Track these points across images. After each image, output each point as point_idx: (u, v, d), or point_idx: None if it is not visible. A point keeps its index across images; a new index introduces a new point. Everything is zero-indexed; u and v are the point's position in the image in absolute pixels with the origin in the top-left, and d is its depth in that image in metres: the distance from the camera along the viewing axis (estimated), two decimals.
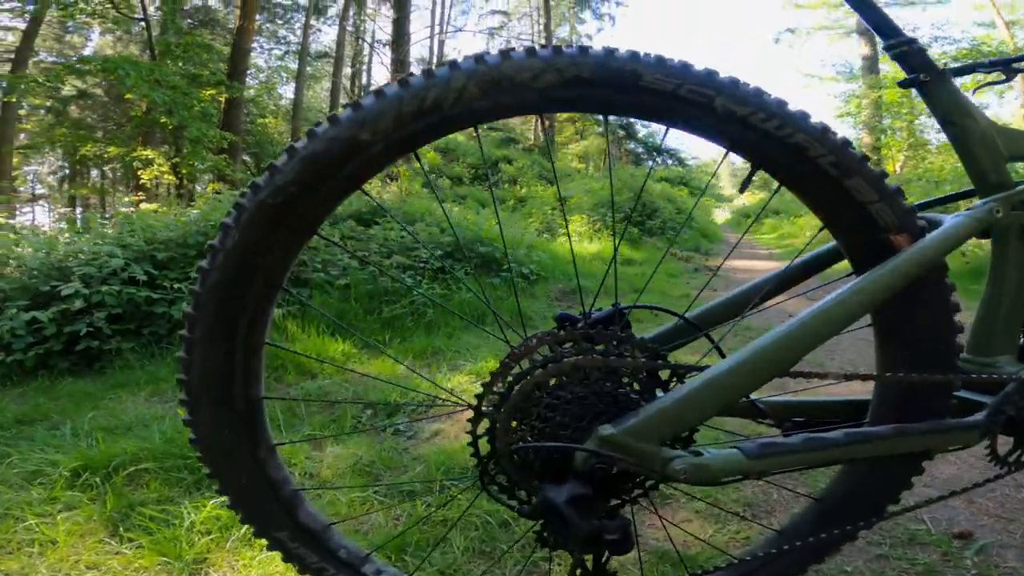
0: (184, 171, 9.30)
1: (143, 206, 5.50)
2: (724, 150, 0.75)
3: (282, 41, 16.27)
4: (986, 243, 0.88)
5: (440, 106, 0.69)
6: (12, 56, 11.25)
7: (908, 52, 0.85)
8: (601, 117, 0.79)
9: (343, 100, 15.22)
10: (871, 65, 13.63)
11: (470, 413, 0.78)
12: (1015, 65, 0.95)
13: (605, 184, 9.48)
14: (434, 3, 18.82)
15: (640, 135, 20.17)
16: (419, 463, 1.67)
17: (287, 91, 14.80)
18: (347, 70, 16.50)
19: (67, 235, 4.79)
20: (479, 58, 0.70)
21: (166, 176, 9.99)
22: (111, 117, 14.05)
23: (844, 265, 0.84)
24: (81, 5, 9.60)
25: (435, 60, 18.47)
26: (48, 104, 13.25)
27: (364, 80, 16.67)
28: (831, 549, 0.98)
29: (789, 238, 9.55)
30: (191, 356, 0.75)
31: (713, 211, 14.64)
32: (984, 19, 12.85)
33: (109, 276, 3.64)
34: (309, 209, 0.72)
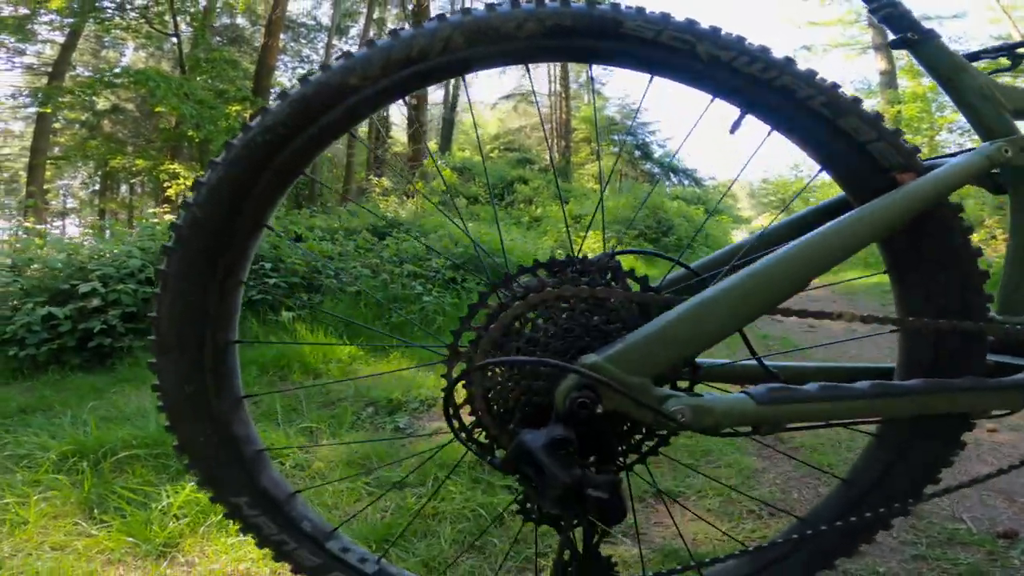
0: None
1: (167, 217, 5.63)
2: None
3: (305, 60, 16.67)
4: None
5: (427, 55, 0.70)
6: (50, 69, 11.72)
7: (893, 14, 0.83)
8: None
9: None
10: (889, 80, 13.51)
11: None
12: (1020, 51, 0.94)
13: (620, 202, 9.46)
14: None
15: (656, 155, 20.24)
16: (413, 455, 1.62)
17: None
18: None
19: (90, 237, 4.93)
20: (466, 11, 0.71)
21: (189, 192, 10.21)
22: (142, 132, 14.49)
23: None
24: (117, 20, 10.00)
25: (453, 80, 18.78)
26: (83, 118, 13.73)
27: None
28: (861, 539, 0.88)
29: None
30: (165, 292, 0.73)
31: (731, 231, 14.52)
32: (1001, 32, 12.73)
33: (126, 276, 3.71)
34: (296, 150, 0.71)
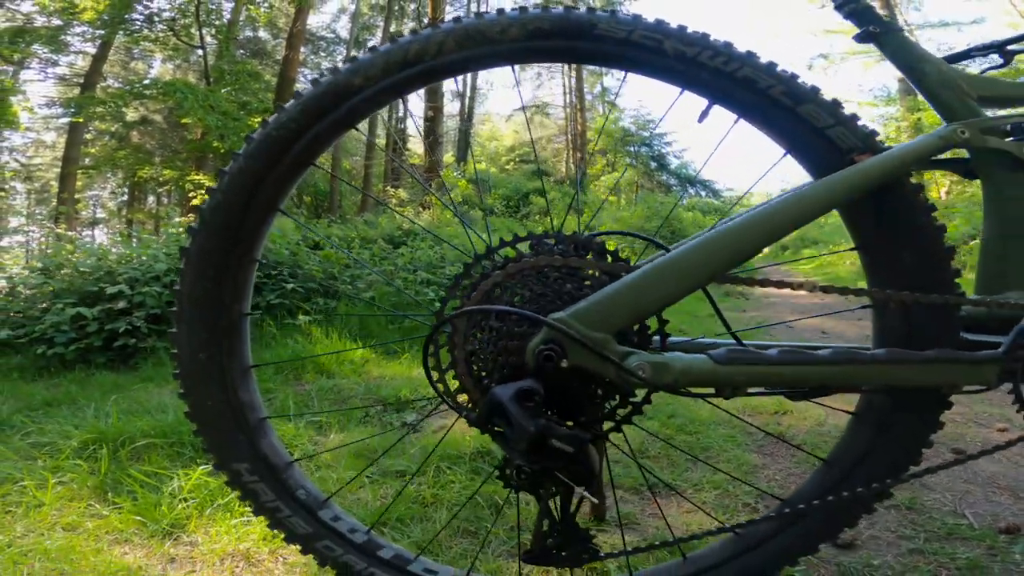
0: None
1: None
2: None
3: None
4: None
5: (423, 57, 0.79)
6: (82, 80, 12.15)
7: (856, 9, 0.88)
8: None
9: (379, 130, 15.82)
10: (908, 87, 13.36)
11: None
12: (1010, 47, 0.95)
13: (634, 213, 9.48)
14: None
15: (672, 166, 20.21)
16: (418, 450, 1.67)
17: None
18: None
19: (119, 244, 5.10)
20: (457, 19, 0.81)
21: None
22: (169, 143, 14.91)
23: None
24: (145, 32, 10.39)
25: (468, 88, 19.08)
26: (112, 129, 14.17)
27: (400, 111, 17.38)
28: (845, 521, 0.89)
29: (829, 267, 9.30)
30: (187, 267, 0.82)
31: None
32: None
33: (152, 279, 3.84)
34: (308, 143, 0.81)
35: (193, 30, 10.99)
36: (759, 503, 1.37)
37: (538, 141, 21.56)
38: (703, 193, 20.05)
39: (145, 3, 11.20)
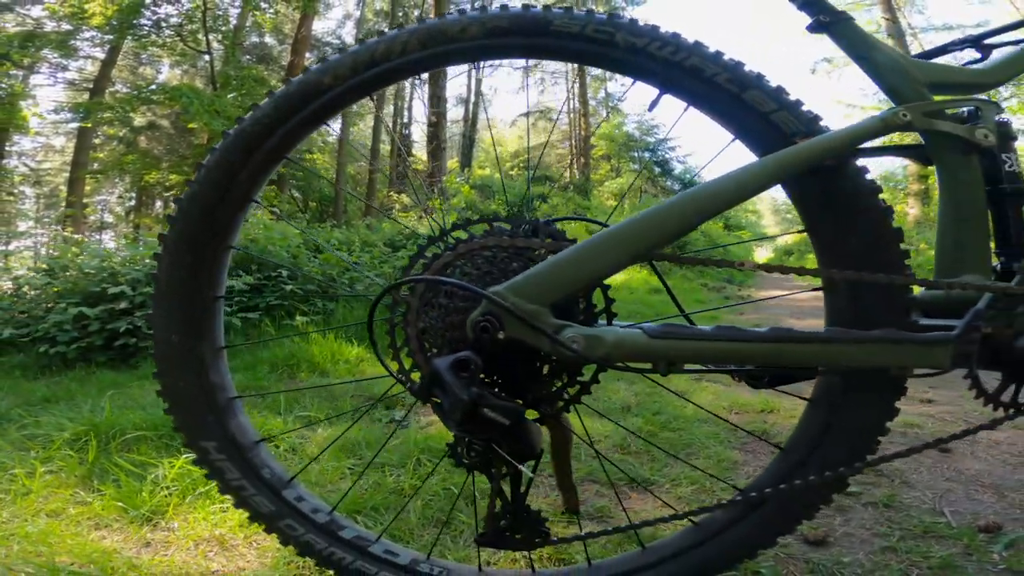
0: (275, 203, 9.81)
1: None
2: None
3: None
4: None
5: (389, 57, 0.84)
6: (91, 85, 12.30)
7: (808, 0, 0.89)
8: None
9: (383, 136, 15.94)
10: None
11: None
12: (987, 41, 0.96)
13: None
14: None
15: (676, 172, 20.19)
16: (402, 444, 1.69)
17: (335, 127, 15.58)
18: (390, 108, 17.31)
19: (124, 246, 5.17)
20: (421, 20, 0.85)
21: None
22: (175, 149, 15.06)
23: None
24: (153, 37, 10.54)
25: (472, 95, 19.19)
26: (120, 134, 14.33)
27: (406, 117, 17.48)
28: (801, 512, 0.88)
29: None
30: (165, 253, 0.87)
31: (754, 249, 14.33)
32: None
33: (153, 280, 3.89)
34: (281, 137, 0.86)
35: (200, 36, 11.12)
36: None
37: (541, 146, 21.66)
38: None
39: (153, 9, 11.36)
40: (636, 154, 19.05)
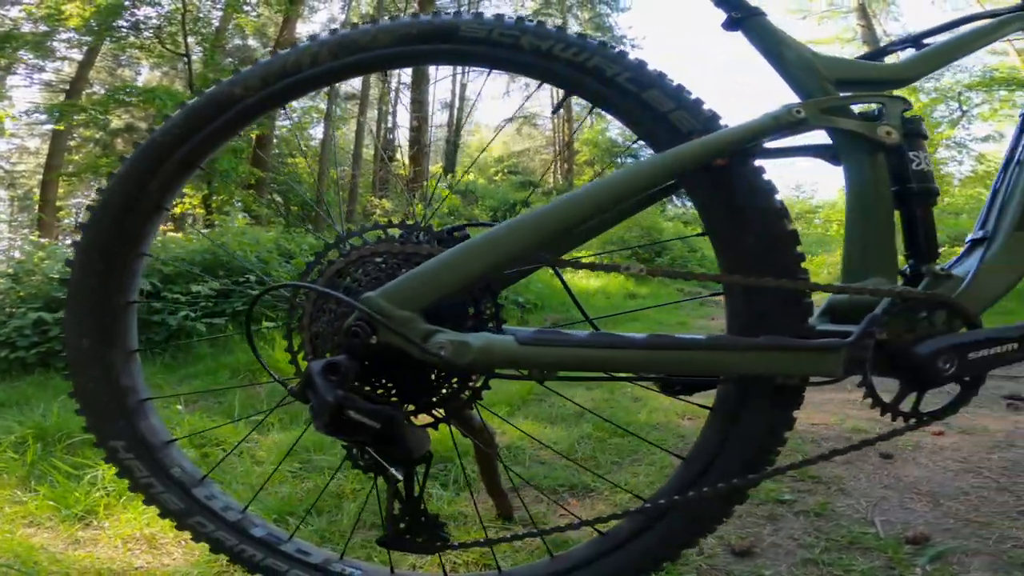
0: (215, 204, 9.68)
1: (170, 234, 5.84)
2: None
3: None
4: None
5: (300, 68, 0.85)
6: (67, 87, 12.11)
7: None
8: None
9: (367, 141, 15.89)
10: None
11: None
12: (926, 40, 0.97)
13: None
14: None
15: None
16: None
17: (318, 131, 15.54)
18: (374, 112, 17.27)
19: None
20: (333, 31, 0.87)
21: (197, 210, 10.43)
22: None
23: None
24: (131, 39, 10.42)
25: (457, 99, 19.21)
26: (97, 136, 14.10)
27: (390, 122, 17.42)
28: (701, 526, 0.86)
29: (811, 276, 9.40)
30: (76, 260, 0.88)
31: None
32: (997, 47, 12.84)
33: None
34: (192, 147, 0.88)
35: (180, 38, 11.01)
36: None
37: (525, 152, 21.72)
38: (687, 204, 20.25)
39: (132, 11, 11.22)
40: (620, 159, 19.19)
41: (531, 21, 0.84)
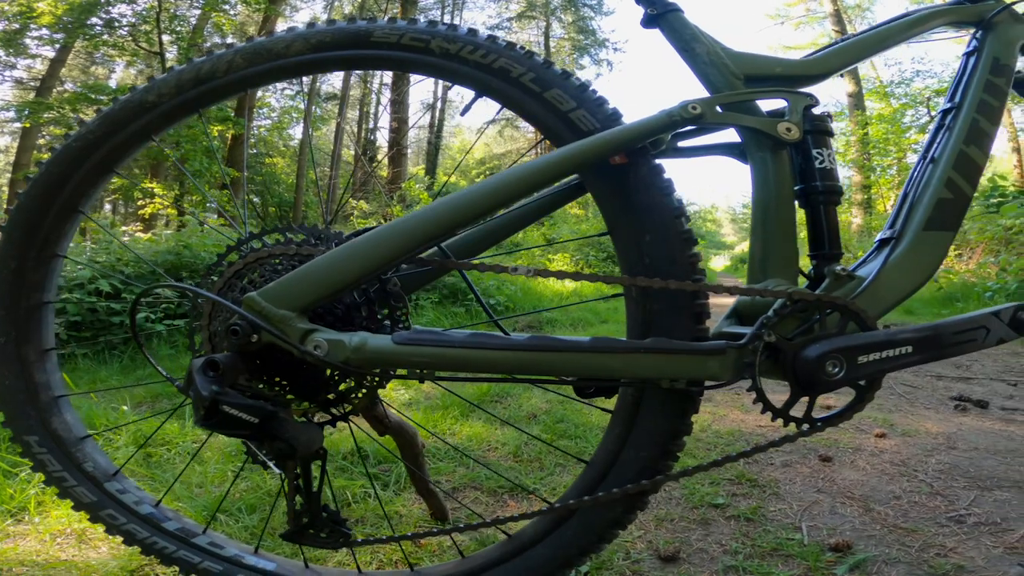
0: (187, 205, 9.57)
1: (138, 235, 5.75)
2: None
3: (295, 81, 16.97)
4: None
5: (214, 75, 0.88)
6: (37, 84, 11.86)
7: None
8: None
9: (346, 141, 15.81)
10: (857, 102, 13.78)
11: None
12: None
13: (595, 226, 9.59)
14: None
15: None
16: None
17: (298, 131, 15.42)
18: (355, 113, 17.16)
19: None
20: (249, 39, 0.89)
21: (169, 210, 10.28)
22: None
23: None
24: (105, 37, 10.28)
25: (439, 102, 19.19)
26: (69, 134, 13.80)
27: (371, 123, 17.30)
28: (604, 531, 0.85)
29: None
30: None
31: (711, 257, 14.60)
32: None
33: (75, 287, 3.76)
34: (107, 153, 0.91)
35: (154, 36, 10.86)
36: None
37: (508, 154, 21.70)
38: None
39: (107, 8, 11.02)
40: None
41: (444, 25, 0.85)
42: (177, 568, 0.94)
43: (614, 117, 0.81)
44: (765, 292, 0.77)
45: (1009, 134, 11.04)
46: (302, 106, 13.88)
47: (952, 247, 6.10)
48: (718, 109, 0.79)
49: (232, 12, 13.03)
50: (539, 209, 1.01)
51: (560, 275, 0.75)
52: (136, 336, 0.88)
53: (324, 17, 18.18)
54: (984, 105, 0.89)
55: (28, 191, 0.91)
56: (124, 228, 6.91)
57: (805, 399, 0.78)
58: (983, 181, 6.60)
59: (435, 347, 0.72)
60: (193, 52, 11.28)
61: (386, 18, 0.85)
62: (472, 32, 0.84)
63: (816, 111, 0.84)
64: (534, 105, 0.82)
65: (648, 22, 0.91)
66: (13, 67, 12.86)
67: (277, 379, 0.80)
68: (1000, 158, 13.39)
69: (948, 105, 0.93)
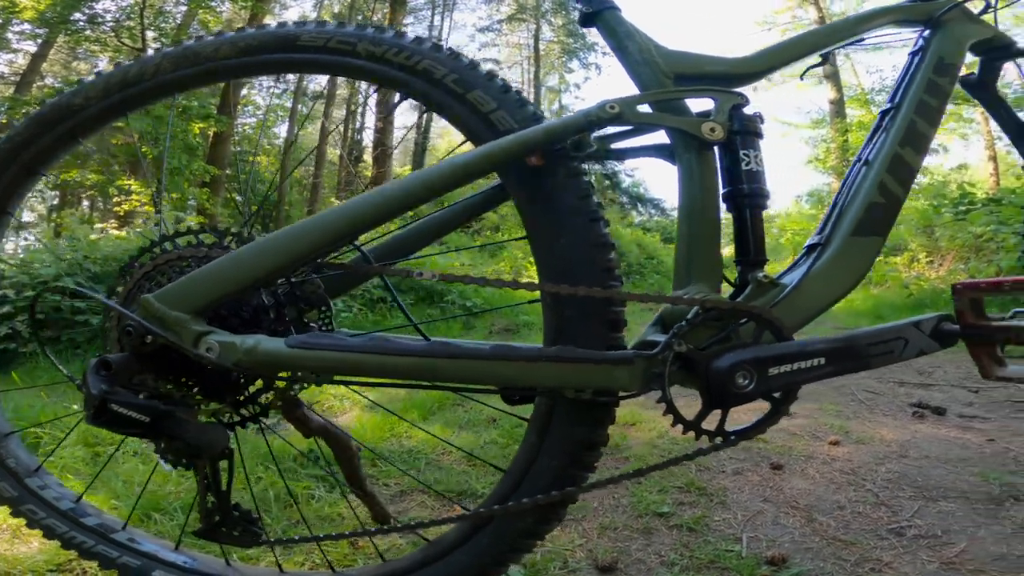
0: (165, 202, 9.43)
1: (113, 232, 5.68)
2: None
3: (282, 79, 16.85)
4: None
5: (141, 79, 0.89)
6: (17, 79, 11.67)
7: None
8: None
9: (330, 140, 15.73)
10: (838, 109, 13.95)
11: None
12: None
13: None
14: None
15: (624, 184, 20.60)
16: (252, 450, 1.64)
17: (283, 131, 15.30)
18: (342, 112, 17.02)
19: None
20: (177, 43, 0.90)
21: (146, 207, 10.14)
22: (107, 147, 14.38)
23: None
24: (87, 32, 10.16)
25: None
26: None
27: (359, 123, 17.20)
28: (518, 541, 0.84)
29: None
30: None
31: None
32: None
33: (39, 284, 3.70)
34: (35, 154, 0.92)
35: (137, 32, 10.75)
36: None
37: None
38: (652, 212, 20.50)
39: (90, 3, 10.88)
40: (586, 167, 19.30)
41: (371, 28, 0.84)
42: (98, 563, 0.95)
43: (534, 119, 0.80)
44: (676, 300, 0.76)
45: (986, 142, 11.24)
46: (288, 104, 13.79)
47: (923, 253, 6.22)
48: (639, 109, 0.77)
49: (219, 9, 12.91)
50: (463, 213, 1.00)
51: (467, 280, 0.74)
52: (37, 336, 0.87)
53: (313, 15, 18.12)
54: (923, 106, 0.87)
55: None
56: (99, 225, 6.81)
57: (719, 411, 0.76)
58: (952, 188, 6.70)
59: (329, 351, 0.71)
60: None
61: (315, 22, 0.85)
62: (399, 34, 0.84)
63: (747, 111, 0.82)
64: (457, 106, 0.81)
65: (584, 21, 0.90)
66: None
67: (183, 380, 0.79)
68: (976, 166, 13.62)
69: (888, 106, 0.91)
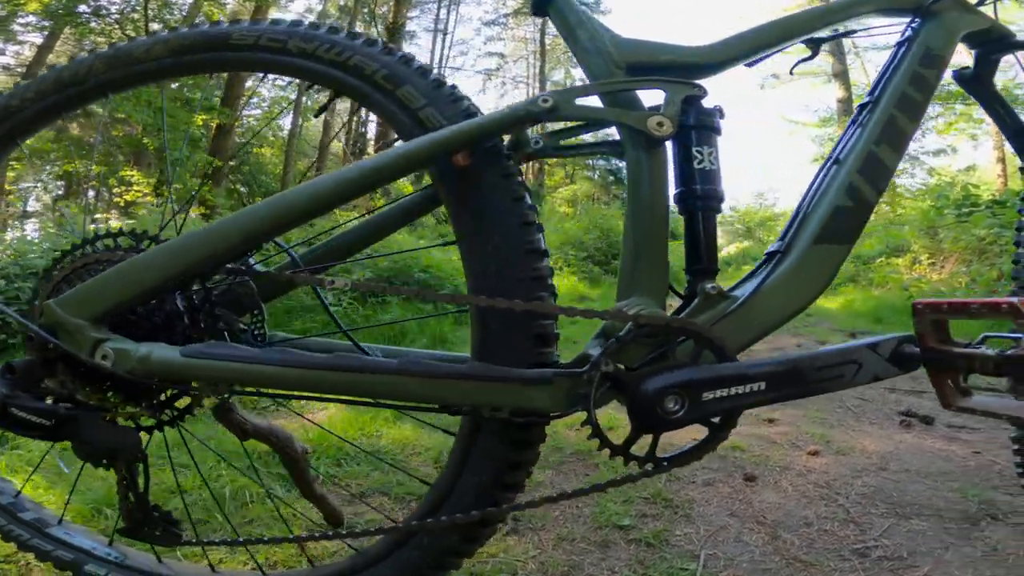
0: (165, 194, 9.46)
1: (112, 223, 5.71)
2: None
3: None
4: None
5: (75, 81, 0.89)
6: (23, 70, 11.73)
7: None
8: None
9: (340, 133, 15.74)
10: (846, 107, 13.76)
11: None
12: (816, 35, 0.91)
13: (577, 224, 9.56)
14: (433, 43, 19.44)
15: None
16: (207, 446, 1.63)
17: (287, 123, 15.29)
18: (346, 104, 17.01)
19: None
20: (111, 44, 0.90)
21: (148, 198, 10.17)
22: (111, 138, 14.44)
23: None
24: (92, 25, 10.23)
25: None
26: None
27: (363, 115, 17.16)
28: (444, 558, 0.81)
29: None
30: None
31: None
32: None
33: (30, 275, 3.71)
34: None
35: (141, 24, 10.79)
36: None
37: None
38: None
39: None
40: (590, 162, 19.27)
41: (305, 24, 0.82)
42: (34, 555, 0.97)
43: (465, 115, 0.76)
44: (608, 315, 0.71)
45: (994, 142, 11.04)
46: (292, 96, 13.79)
47: (925, 255, 6.10)
48: (580, 102, 0.72)
49: (223, 1, 12.91)
50: (395, 218, 0.96)
51: (381, 289, 0.71)
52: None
53: (319, 9, 18.09)
54: (905, 99, 0.80)
55: None
56: (99, 216, 6.82)
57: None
58: (956, 190, 6.57)
59: (224, 362, 0.68)
60: None
61: (248, 20, 0.84)
62: (332, 30, 0.81)
63: (705, 104, 0.76)
64: (387, 103, 0.79)
65: (536, 9, 0.85)
66: (2, 53, 12.76)
67: (99, 383, 0.78)
68: (985, 167, 13.41)
69: (867, 100, 0.84)
